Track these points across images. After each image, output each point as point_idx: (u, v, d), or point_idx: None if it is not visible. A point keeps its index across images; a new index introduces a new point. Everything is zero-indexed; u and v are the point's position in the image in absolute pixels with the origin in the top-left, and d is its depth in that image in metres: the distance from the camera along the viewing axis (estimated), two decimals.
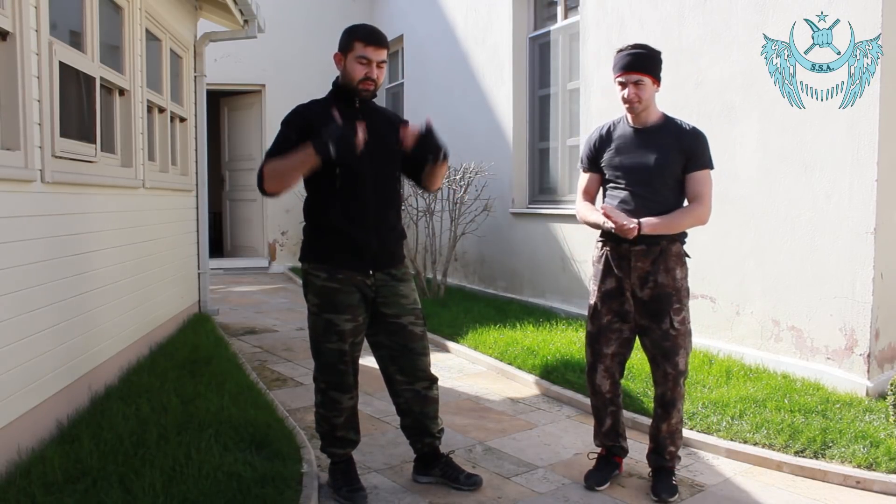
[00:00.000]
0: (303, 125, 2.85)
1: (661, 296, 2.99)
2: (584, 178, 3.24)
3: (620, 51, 3.02)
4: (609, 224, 2.93)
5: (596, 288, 3.12)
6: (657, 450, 3.14)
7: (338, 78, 2.98)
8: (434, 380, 3.11)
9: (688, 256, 3.10)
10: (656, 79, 3.00)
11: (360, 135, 2.66)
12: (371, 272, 2.92)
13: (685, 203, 3.06)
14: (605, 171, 3.12)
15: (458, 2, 8.34)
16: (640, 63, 2.96)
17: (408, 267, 3.11)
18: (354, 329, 2.92)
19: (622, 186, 3.05)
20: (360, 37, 2.87)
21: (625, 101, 3.00)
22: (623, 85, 2.99)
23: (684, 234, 3.08)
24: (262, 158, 2.88)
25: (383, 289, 2.95)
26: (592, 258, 3.19)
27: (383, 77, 2.92)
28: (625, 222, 2.89)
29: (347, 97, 2.94)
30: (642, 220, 2.92)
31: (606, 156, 3.11)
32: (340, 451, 3.04)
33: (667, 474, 3.10)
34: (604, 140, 3.14)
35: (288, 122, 2.91)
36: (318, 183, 2.89)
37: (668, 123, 3.06)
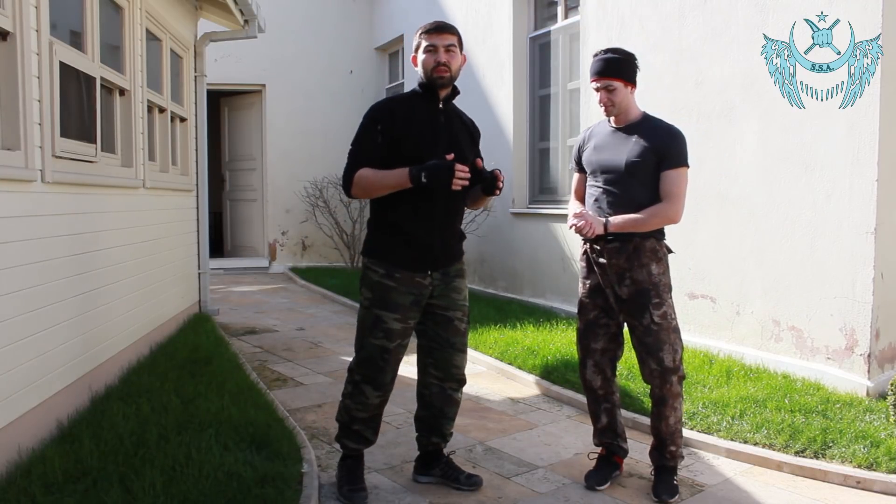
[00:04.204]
0: (390, 122, 2.87)
1: (638, 292, 3.03)
2: (574, 179, 3.34)
3: (595, 55, 3.09)
4: (572, 221, 3.01)
5: (581, 285, 3.20)
6: (659, 447, 3.15)
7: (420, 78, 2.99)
8: (463, 382, 3.13)
9: (670, 251, 3.13)
10: (629, 81, 3.05)
11: (460, 172, 2.71)
12: (430, 272, 2.94)
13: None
14: (586, 170, 3.19)
15: (458, 2, 8.34)
16: (611, 68, 3.01)
17: (464, 263, 3.13)
18: (403, 330, 2.93)
19: (598, 184, 3.12)
20: (422, 31, 2.95)
21: (600, 104, 3.09)
22: (597, 90, 3.06)
23: (661, 231, 3.11)
24: (348, 155, 2.91)
25: (440, 287, 2.98)
26: (578, 256, 3.25)
27: (458, 63, 2.93)
28: (581, 224, 2.96)
29: (431, 94, 2.95)
30: (610, 218, 2.99)
31: (585, 154, 3.20)
32: (353, 445, 3.05)
33: (668, 474, 3.11)
34: (586, 140, 3.24)
35: (373, 119, 2.91)
36: None
37: (645, 122, 3.11)
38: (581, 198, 3.27)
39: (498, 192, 2.92)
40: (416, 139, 2.87)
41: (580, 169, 3.26)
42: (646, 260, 3.02)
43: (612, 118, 3.14)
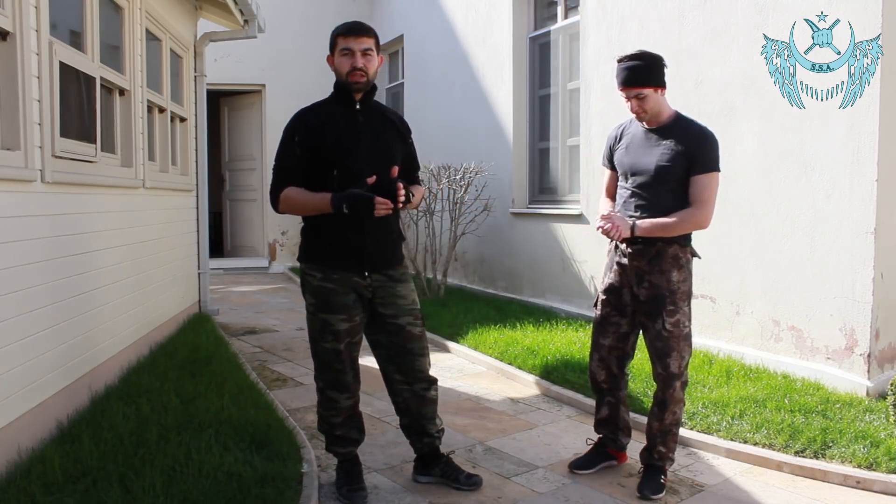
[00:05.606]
0: (304, 133, 2.87)
1: (655, 296, 3.02)
2: (605, 176, 3.31)
3: (620, 61, 3.02)
4: (599, 223, 2.98)
5: (602, 279, 3.21)
6: (648, 447, 3.16)
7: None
8: (433, 381, 3.11)
9: (696, 256, 3.10)
10: (659, 86, 3.00)
11: (381, 205, 2.67)
12: (367, 274, 2.92)
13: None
14: (617, 169, 3.18)
15: (458, 1, 8.33)
16: (640, 77, 2.96)
17: (407, 267, 3.10)
18: (350, 329, 2.91)
19: (627, 186, 3.10)
20: (340, 31, 2.90)
21: (631, 112, 3.05)
22: (626, 98, 3.01)
23: (686, 237, 3.06)
24: (272, 171, 2.94)
25: (381, 290, 2.95)
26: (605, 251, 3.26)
27: (374, 66, 2.90)
28: (609, 227, 2.94)
29: (347, 97, 2.93)
30: (637, 222, 2.96)
31: (617, 154, 3.17)
32: (342, 449, 3.05)
33: (655, 472, 3.12)
34: (617, 139, 3.20)
35: (290, 132, 2.92)
36: (316, 184, 2.88)
37: (677, 124, 3.06)
38: (612, 195, 3.25)
39: (400, 204, 2.74)
40: (336, 143, 2.86)
41: (612, 166, 3.23)
42: (666, 266, 3.01)
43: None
